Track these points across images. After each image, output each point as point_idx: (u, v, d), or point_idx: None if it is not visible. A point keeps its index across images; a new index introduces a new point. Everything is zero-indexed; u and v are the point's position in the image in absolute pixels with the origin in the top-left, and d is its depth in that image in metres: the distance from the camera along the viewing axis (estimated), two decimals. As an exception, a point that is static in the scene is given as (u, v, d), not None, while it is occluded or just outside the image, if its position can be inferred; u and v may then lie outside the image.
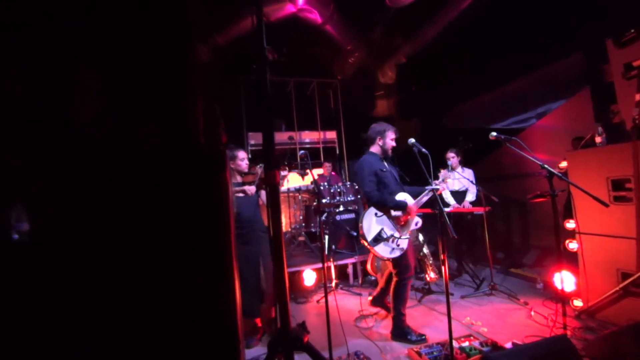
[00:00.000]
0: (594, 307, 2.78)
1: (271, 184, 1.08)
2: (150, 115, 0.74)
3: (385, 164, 2.81)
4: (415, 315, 2.86)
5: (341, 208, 4.74)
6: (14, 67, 0.68)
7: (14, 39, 0.67)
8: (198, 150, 0.77)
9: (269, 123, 1.11)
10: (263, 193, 2.84)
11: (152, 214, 0.71)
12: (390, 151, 2.82)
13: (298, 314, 3.54)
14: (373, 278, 4.03)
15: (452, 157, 4.28)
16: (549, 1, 3.90)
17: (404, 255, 2.68)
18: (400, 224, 2.67)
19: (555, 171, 2.25)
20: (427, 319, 2.95)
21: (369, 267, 3.67)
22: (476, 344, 2.42)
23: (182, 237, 0.72)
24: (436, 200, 2.20)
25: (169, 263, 0.70)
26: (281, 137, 6.40)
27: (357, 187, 5.13)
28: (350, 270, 4.36)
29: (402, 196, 2.73)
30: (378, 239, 2.62)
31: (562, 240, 3.10)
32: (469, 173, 4.33)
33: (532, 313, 3.04)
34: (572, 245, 3.11)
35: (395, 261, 2.70)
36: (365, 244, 2.67)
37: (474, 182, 4.14)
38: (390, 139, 2.80)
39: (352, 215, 4.70)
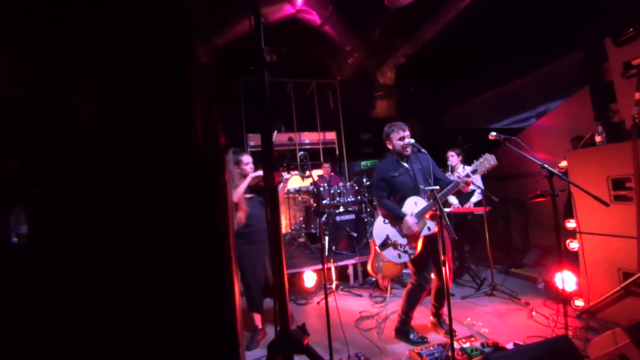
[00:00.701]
0: (595, 307, 2.77)
1: (270, 187, 1.07)
2: (149, 116, 0.74)
3: (405, 164, 2.71)
4: (417, 315, 2.85)
5: (341, 209, 4.74)
6: (15, 67, 0.68)
7: (14, 39, 0.67)
8: (196, 151, 0.77)
9: (267, 124, 1.11)
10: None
11: (152, 214, 0.71)
12: (405, 151, 2.66)
13: (298, 316, 3.53)
14: (373, 279, 4.02)
15: (452, 157, 4.28)
16: (548, 0, 3.91)
17: (416, 262, 2.67)
18: (402, 232, 2.61)
19: (555, 171, 2.24)
20: (427, 319, 2.94)
21: (369, 267, 3.66)
22: (477, 344, 2.42)
23: (181, 238, 0.72)
24: (436, 200, 2.19)
25: (168, 263, 0.70)
26: (281, 138, 6.41)
27: (356, 187, 5.14)
28: (350, 271, 4.35)
29: (410, 201, 2.62)
30: (384, 244, 2.71)
31: (562, 240, 3.09)
32: (477, 176, 4.30)
33: (534, 313, 3.04)
34: (573, 244, 3.10)
35: (411, 265, 2.73)
36: (376, 248, 2.79)
37: (482, 184, 4.14)
38: (397, 140, 2.67)
39: (352, 216, 4.70)
